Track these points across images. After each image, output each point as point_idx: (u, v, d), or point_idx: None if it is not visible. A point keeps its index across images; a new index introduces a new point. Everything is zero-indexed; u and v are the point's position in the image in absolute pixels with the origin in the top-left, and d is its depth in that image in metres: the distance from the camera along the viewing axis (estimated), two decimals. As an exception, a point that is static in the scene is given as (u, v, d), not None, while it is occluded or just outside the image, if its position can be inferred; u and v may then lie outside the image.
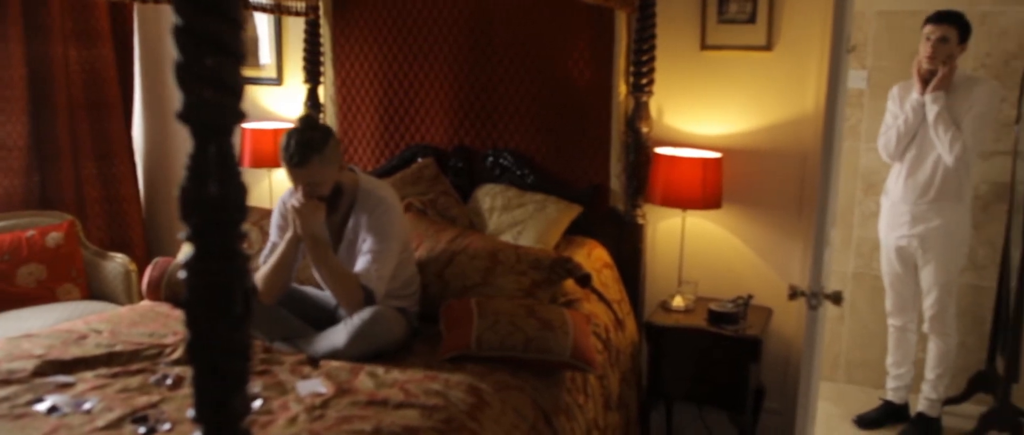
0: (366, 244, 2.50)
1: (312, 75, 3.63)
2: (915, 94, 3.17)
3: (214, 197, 0.86)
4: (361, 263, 2.48)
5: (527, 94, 3.29)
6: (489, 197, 3.26)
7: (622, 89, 3.12)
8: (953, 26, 3.08)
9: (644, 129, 3.07)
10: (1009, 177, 3.46)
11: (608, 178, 3.19)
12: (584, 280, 2.74)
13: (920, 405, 3.42)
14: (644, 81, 3.03)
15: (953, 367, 3.42)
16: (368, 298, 2.44)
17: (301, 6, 3.47)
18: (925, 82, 3.14)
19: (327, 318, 2.61)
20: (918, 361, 3.52)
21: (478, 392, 2.14)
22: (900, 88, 3.30)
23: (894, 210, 3.33)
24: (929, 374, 3.39)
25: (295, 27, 3.75)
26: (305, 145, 2.36)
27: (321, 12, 3.58)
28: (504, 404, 2.14)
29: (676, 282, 3.12)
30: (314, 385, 2.13)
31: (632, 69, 3.06)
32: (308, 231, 2.42)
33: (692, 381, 2.97)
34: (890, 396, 3.53)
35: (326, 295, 2.71)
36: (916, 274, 3.34)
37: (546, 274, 2.71)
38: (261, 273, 2.51)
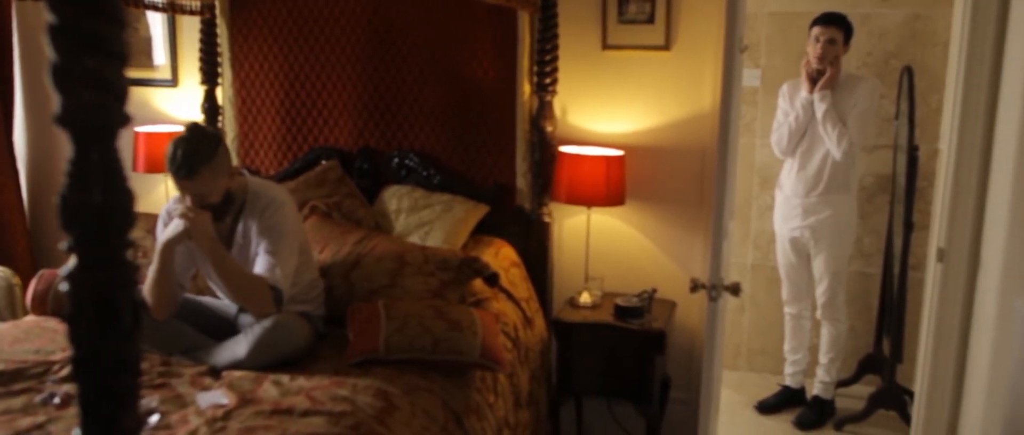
0: (261, 246, 2.42)
1: (209, 76, 3.51)
2: (804, 92, 3.33)
3: (97, 205, 0.82)
4: (261, 264, 2.39)
5: (432, 94, 3.28)
6: (395, 198, 3.23)
7: (526, 89, 3.15)
8: (839, 28, 3.26)
9: (548, 128, 3.11)
10: (891, 169, 3.67)
11: (514, 177, 3.21)
12: (492, 279, 2.75)
13: (815, 388, 3.59)
14: (548, 80, 3.07)
15: (844, 351, 3.61)
16: (277, 298, 2.37)
17: (196, 5, 3.35)
18: (813, 81, 3.30)
19: (227, 328, 2.52)
20: (813, 347, 3.69)
21: (387, 396, 2.12)
22: (789, 86, 3.46)
23: (787, 203, 3.49)
24: (822, 358, 3.56)
25: (190, 26, 3.62)
26: (193, 155, 2.26)
27: (217, 11, 3.46)
28: (414, 406, 2.13)
29: (583, 279, 3.17)
30: (215, 396, 2.06)
31: (536, 69, 3.09)
32: (202, 237, 2.32)
33: (600, 375, 3.03)
34: (788, 381, 3.69)
35: (225, 304, 2.62)
36: (809, 264, 3.51)
37: (454, 274, 2.70)
38: (145, 286, 2.39)
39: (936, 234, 2.92)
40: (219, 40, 3.49)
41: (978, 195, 2.72)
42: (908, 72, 3.39)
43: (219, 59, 3.51)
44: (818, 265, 3.46)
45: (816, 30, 3.28)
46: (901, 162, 3.40)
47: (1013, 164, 2.46)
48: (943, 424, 2.93)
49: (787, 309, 3.64)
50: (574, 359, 3.03)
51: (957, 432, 2.89)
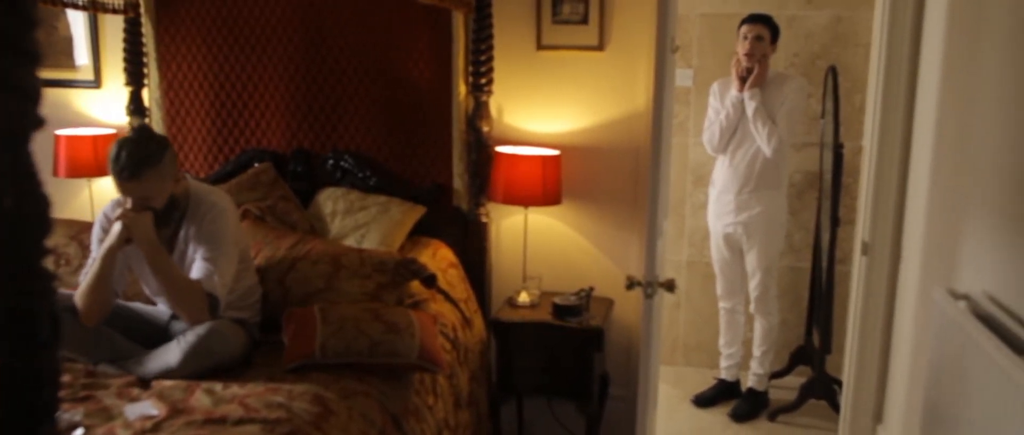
0: (199, 252, 2.37)
1: (134, 77, 3.40)
2: (734, 91, 3.42)
3: (10, 212, 0.78)
4: (198, 270, 2.34)
5: (367, 95, 3.24)
6: (331, 201, 3.18)
7: (462, 89, 3.14)
8: (766, 26, 3.39)
9: (485, 128, 3.11)
10: (818, 167, 3.78)
11: (451, 178, 3.20)
12: (429, 281, 2.74)
13: (749, 381, 3.68)
14: (483, 81, 3.07)
15: (777, 343, 3.71)
16: (213, 306, 2.31)
17: (119, 3, 3.24)
18: (742, 80, 3.39)
19: (159, 335, 2.45)
20: (747, 340, 3.78)
21: (323, 401, 2.09)
22: (720, 84, 3.54)
23: (720, 200, 3.57)
24: (756, 351, 3.66)
25: (114, 25, 3.50)
26: (139, 158, 2.21)
27: (142, 10, 3.36)
28: (351, 411, 2.10)
29: (521, 278, 3.18)
30: (144, 408, 2.00)
31: (471, 69, 3.09)
32: (143, 239, 2.26)
33: (540, 374, 3.04)
34: (723, 374, 3.77)
35: (157, 310, 2.55)
36: (742, 259, 3.59)
37: (391, 276, 2.68)
38: (79, 291, 2.31)
39: (861, 229, 3.02)
40: (144, 40, 3.39)
41: (899, 190, 2.83)
42: (832, 72, 3.50)
43: (145, 59, 3.40)
44: (751, 260, 3.55)
45: (744, 28, 3.41)
46: (828, 159, 3.51)
47: (929, 160, 2.56)
48: (869, 410, 3.03)
49: (721, 304, 3.73)
50: (513, 359, 3.04)
51: (883, 418, 3.00)
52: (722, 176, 3.55)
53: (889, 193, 2.84)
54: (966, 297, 2.01)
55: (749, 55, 3.37)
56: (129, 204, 2.28)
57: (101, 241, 2.42)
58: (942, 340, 2.00)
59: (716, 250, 3.66)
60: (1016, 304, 1.78)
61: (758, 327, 3.65)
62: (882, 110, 2.80)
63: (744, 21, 3.43)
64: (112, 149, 2.23)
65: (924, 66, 2.66)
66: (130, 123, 3.44)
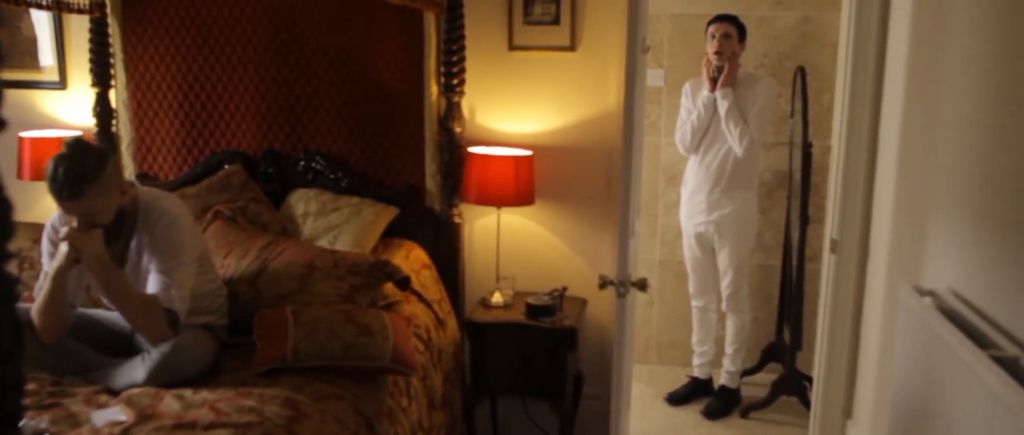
0: (153, 264, 2.26)
1: (101, 78, 3.35)
2: (705, 91, 3.45)
3: (-30, 216, 0.77)
4: (154, 284, 2.23)
5: (338, 96, 3.22)
6: (302, 202, 3.16)
7: (434, 90, 3.13)
8: (733, 25, 3.44)
9: (457, 129, 3.10)
10: (788, 166, 3.82)
11: (424, 178, 3.19)
12: (403, 283, 2.73)
13: (722, 378, 3.71)
14: (455, 81, 3.06)
15: (748, 341, 3.74)
16: (173, 321, 2.22)
17: (84, 3, 3.19)
18: (713, 80, 3.42)
19: (124, 344, 2.38)
20: (719, 338, 3.81)
21: (295, 404, 2.07)
22: (692, 84, 3.57)
23: (692, 199, 3.60)
24: (728, 349, 3.69)
25: (79, 26, 3.44)
26: (76, 175, 2.06)
27: (108, 10, 3.31)
28: (324, 414, 2.09)
29: (494, 279, 3.18)
30: (112, 414, 1.97)
31: (443, 70, 3.08)
32: (92, 260, 2.14)
33: (514, 374, 3.04)
34: (696, 372, 3.80)
35: (120, 317, 2.49)
36: (714, 257, 3.63)
37: (364, 278, 2.66)
38: (35, 308, 2.20)
39: (829, 227, 3.06)
40: (111, 40, 3.34)
41: (866, 189, 2.87)
42: (801, 72, 3.54)
43: (111, 60, 3.35)
44: (722, 259, 3.59)
45: (712, 28, 3.46)
46: (797, 159, 3.55)
47: (895, 159, 2.60)
48: (839, 406, 3.07)
49: (694, 302, 3.76)
50: (487, 359, 3.04)
51: (852, 414, 3.04)
52: (694, 176, 3.58)
53: (857, 191, 2.88)
54: (932, 293, 2.04)
55: (718, 53, 3.41)
56: (75, 222, 2.15)
57: (51, 255, 2.30)
58: (909, 336, 2.04)
59: (688, 249, 3.69)
60: (980, 300, 1.81)
61: (730, 325, 3.68)
62: (849, 110, 2.84)
63: (711, 21, 3.48)
64: (48, 167, 2.08)
65: (890, 67, 2.70)
66: (95, 125, 3.38)
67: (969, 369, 1.58)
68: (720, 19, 3.46)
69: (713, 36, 3.44)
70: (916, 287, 2.10)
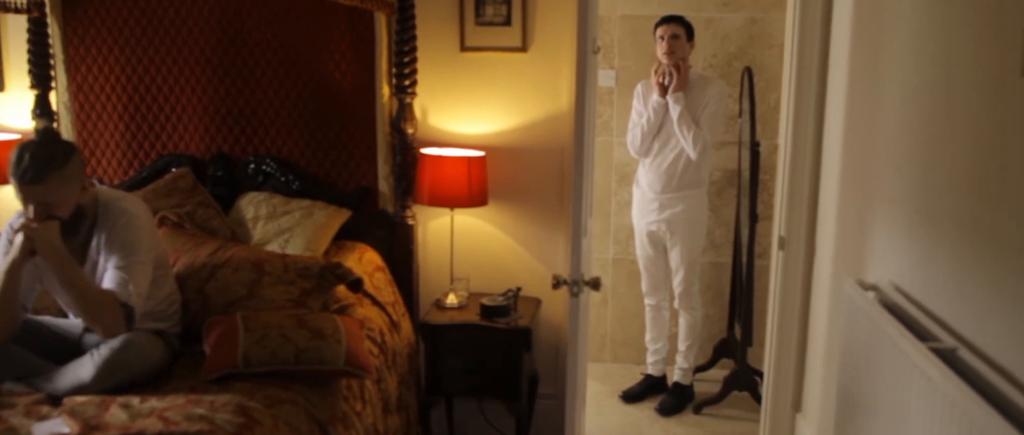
0: (111, 261, 2.26)
1: (40, 80, 3.25)
2: (656, 96, 3.50)
3: None
4: (111, 279, 2.23)
5: (288, 97, 3.18)
6: (252, 206, 3.11)
7: (385, 91, 3.11)
8: (681, 25, 3.49)
9: (409, 130, 3.09)
10: (737, 164, 3.89)
11: (376, 180, 3.17)
12: (355, 285, 2.71)
13: (675, 375, 3.76)
14: (407, 83, 3.05)
15: (701, 337, 3.80)
16: (128, 317, 2.21)
17: (22, 2, 3.09)
18: (663, 86, 3.47)
19: (71, 350, 2.33)
20: (672, 335, 3.86)
21: (247, 411, 2.04)
22: (643, 86, 3.61)
23: (644, 199, 3.64)
24: (681, 346, 3.74)
25: (17, 26, 3.34)
26: (43, 160, 2.11)
27: (47, 9, 3.22)
28: (276, 420, 2.06)
29: (449, 280, 3.18)
30: (54, 426, 1.91)
31: (395, 71, 3.07)
32: (48, 251, 2.15)
33: (469, 376, 3.04)
34: (650, 370, 3.84)
35: (69, 324, 2.44)
36: (666, 256, 3.67)
37: (316, 282, 2.64)
38: None
39: (777, 224, 3.12)
40: (51, 41, 3.24)
41: (812, 186, 2.93)
42: (748, 73, 3.61)
43: (52, 62, 3.26)
44: (674, 257, 3.63)
45: (660, 29, 3.51)
46: (746, 157, 3.61)
47: (839, 157, 2.66)
48: (789, 400, 3.13)
49: (647, 301, 3.80)
50: (442, 361, 3.03)
51: (801, 407, 3.11)
52: (646, 177, 3.62)
53: (803, 189, 2.94)
54: (875, 288, 2.10)
55: (669, 53, 3.45)
56: (31, 213, 2.17)
57: (7, 254, 2.29)
58: (853, 329, 2.09)
59: (641, 248, 3.73)
60: (919, 293, 1.87)
61: (683, 322, 3.73)
62: (795, 109, 2.90)
63: (659, 23, 3.53)
64: (14, 153, 2.14)
65: (833, 67, 2.77)
66: (35, 127, 3.29)
67: (910, 361, 1.63)
68: (668, 20, 3.50)
69: (662, 37, 3.48)
70: (860, 282, 2.16)
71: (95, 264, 2.33)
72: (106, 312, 2.19)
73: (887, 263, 2.12)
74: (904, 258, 2.00)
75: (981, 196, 1.57)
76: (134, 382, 2.17)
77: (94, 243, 2.33)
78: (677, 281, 3.66)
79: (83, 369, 2.16)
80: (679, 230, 3.58)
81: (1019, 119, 1.42)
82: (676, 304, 3.73)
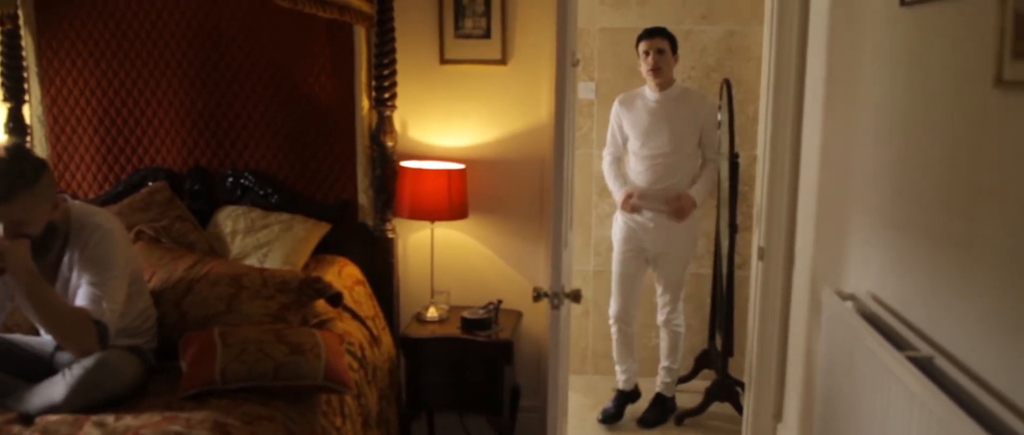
0: (84, 278, 2.22)
1: (13, 93, 3.21)
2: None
3: None
4: (84, 297, 2.19)
5: (267, 110, 3.16)
6: (231, 220, 3.09)
7: (365, 104, 3.11)
8: (665, 38, 3.42)
9: (389, 143, 3.08)
10: (717, 175, 3.90)
11: (356, 193, 3.16)
12: (335, 299, 2.69)
13: (658, 386, 3.72)
14: (387, 95, 3.04)
15: (682, 349, 3.78)
16: (102, 335, 2.16)
17: (-5, 15, 3.06)
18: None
19: (43, 369, 2.28)
20: (648, 350, 3.82)
21: (224, 428, 2.01)
22: (621, 105, 3.57)
23: (633, 218, 3.57)
24: (665, 360, 3.69)
25: (-10, 39, 3.30)
26: (12, 178, 2.07)
27: (21, 21, 3.18)
28: (254, 437, 2.03)
29: (429, 293, 3.16)
30: (27, 444, 1.88)
31: (374, 83, 3.06)
32: (18, 270, 2.10)
33: (450, 389, 3.02)
34: (621, 385, 3.71)
35: (40, 342, 2.39)
36: (643, 274, 3.60)
37: (295, 296, 2.61)
38: None
39: (757, 235, 3.14)
40: (24, 53, 3.21)
41: (790, 197, 2.95)
42: (727, 85, 3.63)
43: (25, 74, 3.22)
44: (662, 277, 3.57)
45: (643, 44, 3.42)
46: (725, 169, 3.63)
47: (817, 168, 2.68)
48: (770, 410, 3.14)
49: (615, 326, 3.64)
50: (423, 375, 3.01)
51: (782, 416, 3.11)
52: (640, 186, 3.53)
53: (781, 200, 2.96)
54: (852, 297, 2.11)
55: (655, 70, 3.38)
56: (1, 231, 2.13)
57: None
58: (832, 339, 2.10)
59: (621, 266, 3.59)
60: (897, 302, 1.88)
61: (666, 338, 3.65)
62: (773, 121, 2.93)
63: (641, 37, 3.44)
64: None
65: (810, 79, 2.79)
66: (6, 142, 3.24)
67: (887, 370, 1.64)
68: (651, 34, 3.40)
69: (646, 53, 3.38)
70: (838, 291, 2.17)
71: (67, 281, 2.28)
72: (78, 331, 2.15)
73: (865, 273, 2.13)
74: (881, 268, 2.01)
75: (955, 206, 1.59)
76: (108, 401, 2.13)
77: (66, 260, 2.29)
78: (663, 302, 3.59)
79: (55, 389, 2.11)
80: (673, 246, 3.51)
81: (992, 130, 1.44)
82: (659, 321, 3.67)
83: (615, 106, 3.59)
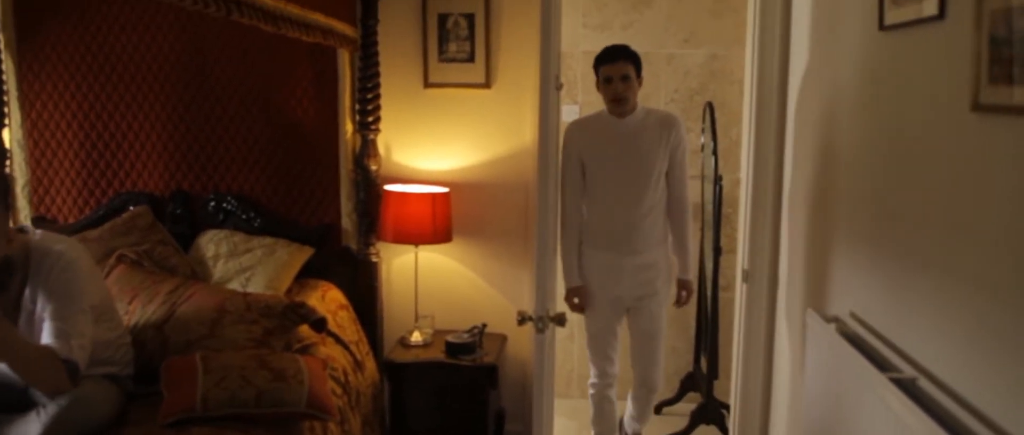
0: (48, 311, 2.12)
1: (-7, 117, 3.19)
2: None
3: None
4: (50, 333, 2.08)
5: (250, 134, 3.16)
6: (213, 243, 3.06)
7: (349, 127, 3.10)
8: (629, 61, 2.86)
9: (373, 166, 3.07)
10: (701, 198, 3.92)
11: (339, 217, 3.15)
12: (319, 325, 2.67)
13: (626, 425, 3.35)
14: (370, 119, 3.04)
15: (656, 400, 3.41)
16: (72, 373, 2.07)
17: (-24, 39, 3.04)
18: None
19: (17, 400, 2.21)
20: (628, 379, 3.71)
21: (205, 456, 1.98)
22: (576, 131, 3.34)
23: (604, 264, 3.13)
24: (634, 410, 3.25)
25: (-30, 63, 3.28)
26: None
27: (1, 44, 3.16)
28: (235, 465, 2.00)
29: (413, 318, 3.14)
30: (1, 476, 1.84)
31: (358, 107, 3.06)
32: None
33: (435, 414, 3.00)
34: None
35: (12, 372, 2.32)
36: (621, 325, 3.14)
37: (279, 321, 2.59)
38: None
39: (741, 257, 3.14)
40: (4, 76, 3.18)
41: (774, 219, 2.96)
42: (710, 108, 3.66)
43: (5, 98, 3.20)
44: (642, 325, 3.09)
45: (605, 69, 2.85)
46: (709, 191, 3.65)
47: (802, 190, 2.70)
48: (756, 431, 3.13)
49: (594, 389, 3.14)
50: (407, 399, 2.99)
51: (768, 440, 3.10)
52: (599, 236, 3.01)
53: (765, 222, 2.97)
54: (836, 319, 2.11)
55: (617, 100, 2.83)
56: None
57: None
58: (816, 360, 2.10)
59: (601, 319, 3.07)
60: (879, 324, 1.89)
61: (645, 394, 3.17)
62: (756, 144, 2.94)
63: (601, 60, 2.86)
64: None
65: (792, 101, 2.82)
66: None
67: (871, 391, 1.64)
68: (612, 57, 2.83)
69: (608, 79, 2.84)
70: (822, 313, 2.17)
71: (32, 314, 2.18)
72: (48, 372, 2.04)
73: (848, 294, 2.14)
74: (864, 289, 2.02)
75: (935, 229, 1.60)
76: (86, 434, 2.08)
77: (27, 293, 2.18)
78: (645, 353, 3.07)
79: (30, 428, 2.04)
80: (653, 294, 3.07)
81: (970, 153, 1.45)
82: (638, 378, 3.13)
83: (571, 132, 2.97)
